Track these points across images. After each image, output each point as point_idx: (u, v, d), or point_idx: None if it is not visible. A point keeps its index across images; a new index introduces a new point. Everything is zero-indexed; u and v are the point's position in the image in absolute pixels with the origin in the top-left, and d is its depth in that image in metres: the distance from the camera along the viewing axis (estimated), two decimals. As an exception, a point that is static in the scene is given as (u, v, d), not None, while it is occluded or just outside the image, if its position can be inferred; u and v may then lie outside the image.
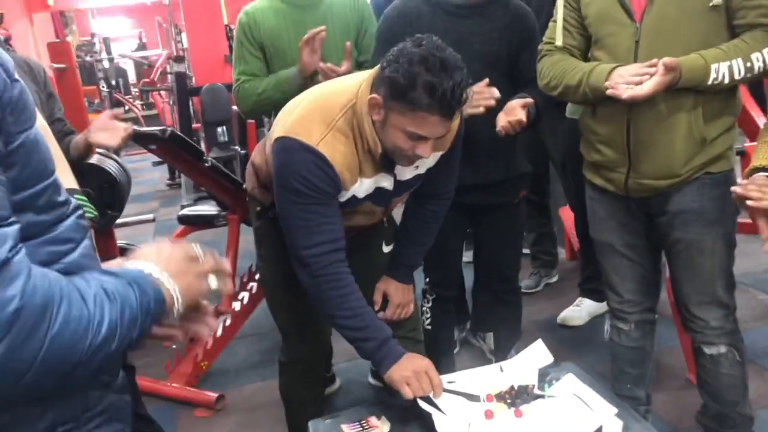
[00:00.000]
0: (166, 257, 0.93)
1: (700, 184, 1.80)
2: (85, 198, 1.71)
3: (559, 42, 1.89)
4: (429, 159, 1.75)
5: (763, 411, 2.42)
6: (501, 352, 2.59)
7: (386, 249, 2.04)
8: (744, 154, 2.59)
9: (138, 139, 2.77)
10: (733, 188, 1.52)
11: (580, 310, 3.29)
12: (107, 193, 3.09)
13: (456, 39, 2.16)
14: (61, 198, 0.89)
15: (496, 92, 2.05)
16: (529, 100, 2.08)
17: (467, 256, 3.12)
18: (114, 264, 0.96)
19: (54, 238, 0.86)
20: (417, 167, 1.79)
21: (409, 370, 1.57)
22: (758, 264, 1.67)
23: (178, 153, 2.93)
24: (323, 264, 1.67)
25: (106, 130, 2.17)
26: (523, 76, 2.19)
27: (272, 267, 2.02)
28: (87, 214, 1.51)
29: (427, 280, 2.57)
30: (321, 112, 1.65)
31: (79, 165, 2.53)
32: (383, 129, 1.61)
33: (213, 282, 0.99)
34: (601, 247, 2.03)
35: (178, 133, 2.88)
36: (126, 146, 2.29)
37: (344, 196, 1.71)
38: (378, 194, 1.78)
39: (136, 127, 2.76)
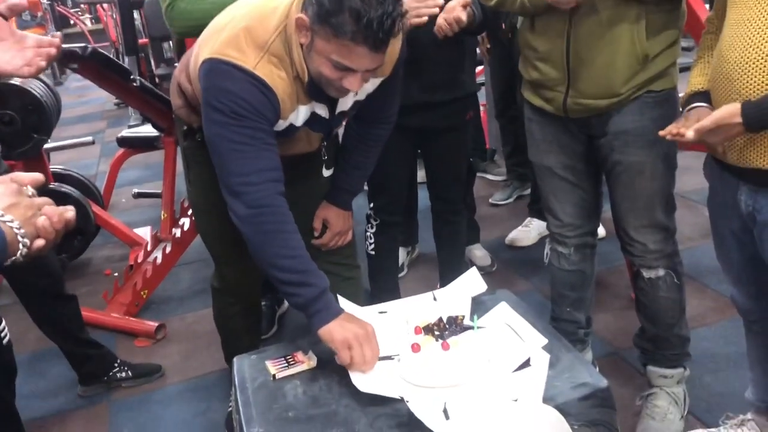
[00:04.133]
0: None
1: (641, 104, 1.71)
2: None
3: None
4: (368, 85, 1.61)
5: (703, 329, 2.44)
6: (444, 280, 2.55)
7: (326, 173, 1.92)
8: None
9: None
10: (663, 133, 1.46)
11: (529, 230, 3.26)
12: (32, 116, 2.91)
13: None
14: None
15: (452, 5, 1.92)
16: None
17: (420, 176, 3.05)
18: None
19: None
20: (356, 94, 1.64)
21: (351, 333, 1.39)
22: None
23: (103, 73, 2.74)
24: (263, 194, 1.48)
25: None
26: None
27: (201, 191, 1.89)
28: None
29: (372, 205, 2.50)
30: (253, 34, 1.47)
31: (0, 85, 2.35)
32: (309, 54, 1.45)
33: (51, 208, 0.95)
34: (540, 170, 1.95)
35: (100, 50, 2.67)
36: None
37: (281, 126, 1.57)
38: (315, 120, 1.64)
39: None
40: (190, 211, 3.15)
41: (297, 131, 1.63)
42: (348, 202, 1.93)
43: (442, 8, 1.93)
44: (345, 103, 1.65)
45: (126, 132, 3.97)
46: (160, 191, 3.48)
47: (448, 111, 2.28)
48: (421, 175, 2.89)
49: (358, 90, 1.49)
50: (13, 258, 0.88)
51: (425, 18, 1.89)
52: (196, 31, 1.72)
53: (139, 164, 4.85)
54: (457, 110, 2.32)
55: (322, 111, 1.63)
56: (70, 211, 0.95)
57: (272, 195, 1.49)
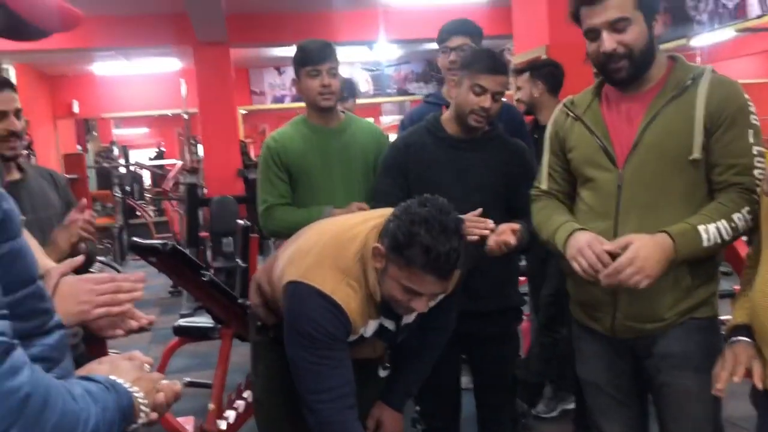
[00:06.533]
0: (122, 369, 1.01)
1: (686, 329, 1.80)
2: None
3: (543, 186, 1.97)
4: (431, 303, 1.77)
5: None
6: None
7: (382, 374, 2.04)
8: (734, 296, 2.58)
9: (138, 251, 2.82)
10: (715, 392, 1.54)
11: (574, 447, 3.20)
12: (103, 304, 3.10)
13: (457, 170, 2.26)
14: (44, 306, 0.94)
15: (490, 223, 2.10)
16: (518, 225, 2.13)
17: (464, 382, 3.08)
18: (84, 372, 1.02)
19: (34, 355, 0.88)
20: None
21: None
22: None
23: (178, 266, 2.97)
24: (331, 411, 1.68)
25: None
26: (519, 208, 2.26)
27: (267, 384, 2.02)
28: None
29: (418, 408, 2.53)
30: (336, 259, 1.70)
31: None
32: (383, 278, 1.66)
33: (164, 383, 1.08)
34: (587, 386, 2.00)
35: (179, 247, 2.93)
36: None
37: (352, 338, 1.75)
38: (382, 332, 1.82)
39: (136, 239, 2.82)
40: (236, 403, 3.21)
41: (365, 340, 1.78)
42: (401, 404, 2.01)
43: (492, 230, 2.11)
44: (410, 318, 1.81)
45: (181, 321, 4.13)
46: (210, 382, 3.56)
47: (494, 318, 2.37)
48: (464, 381, 2.93)
49: (425, 310, 1.66)
50: (134, 426, 0.98)
51: (476, 237, 2.08)
52: (285, 235, 1.97)
53: (185, 353, 4.95)
54: (503, 318, 2.41)
55: (390, 325, 1.80)
56: (177, 385, 1.09)
57: (340, 410, 1.68)
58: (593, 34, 1.75)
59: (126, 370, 1.02)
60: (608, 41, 1.71)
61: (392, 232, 1.60)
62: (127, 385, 0.98)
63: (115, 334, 1.53)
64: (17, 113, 2.19)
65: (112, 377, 0.97)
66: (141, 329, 1.54)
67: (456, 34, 2.76)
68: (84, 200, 2.27)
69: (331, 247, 1.73)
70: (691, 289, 1.78)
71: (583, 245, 1.69)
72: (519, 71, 3.56)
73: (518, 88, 3.46)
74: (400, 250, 1.58)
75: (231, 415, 3.14)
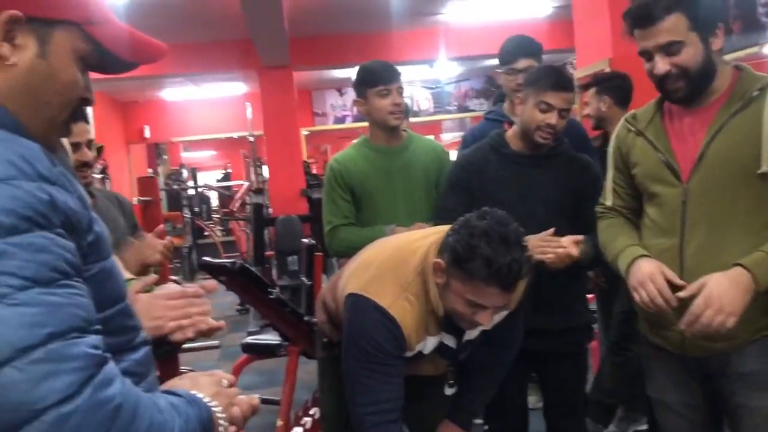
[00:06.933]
0: (202, 384, 1.05)
1: (762, 346, 1.73)
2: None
3: (608, 202, 1.94)
4: (496, 316, 1.77)
5: None
6: None
7: (449, 391, 2.04)
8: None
9: (208, 270, 2.91)
10: None
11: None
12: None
13: (522, 186, 2.25)
14: (132, 323, 1.00)
15: (563, 241, 2.09)
16: (581, 237, 2.11)
17: (533, 401, 3.04)
18: (167, 386, 1.06)
19: (122, 370, 0.92)
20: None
21: None
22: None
23: (246, 285, 3.05)
24: (375, 423, 1.69)
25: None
26: (588, 223, 2.23)
27: (334, 400, 2.06)
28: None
29: (486, 428, 2.51)
30: (395, 274, 1.73)
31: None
32: (445, 293, 1.66)
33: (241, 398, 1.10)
34: (657, 405, 1.95)
35: (247, 266, 3.01)
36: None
37: (410, 354, 1.76)
38: (443, 349, 1.82)
39: (206, 258, 2.92)
40: (303, 420, 3.25)
41: (425, 357, 1.79)
42: (468, 422, 2.01)
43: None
44: (472, 334, 1.81)
45: (249, 339, 4.22)
46: (277, 398, 3.62)
47: (563, 336, 2.33)
48: (533, 400, 2.89)
49: (489, 324, 1.65)
50: None
51: (551, 255, 2.06)
52: (349, 255, 2.02)
53: (253, 370, 5.04)
54: (572, 336, 2.37)
55: (450, 341, 1.80)
56: (255, 399, 1.12)
57: (384, 424, 1.69)
58: (647, 56, 1.73)
59: (205, 385, 1.06)
60: (661, 64, 1.69)
61: (452, 246, 1.61)
62: (206, 400, 1.01)
63: (186, 336, 1.59)
64: (89, 144, 2.32)
65: (193, 392, 1.02)
66: (210, 331, 1.59)
67: (522, 56, 2.75)
68: (162, 226, 2.38)
69: (391, 262, 1.76)
70: (766, 305, 1.71)
71: (644, 278, 1.67)
72: (585, 87, 3.52)
73: (585, 104, 3.42)
74: (461, 263, 1.58)
75: (298, 431, 3.18)
